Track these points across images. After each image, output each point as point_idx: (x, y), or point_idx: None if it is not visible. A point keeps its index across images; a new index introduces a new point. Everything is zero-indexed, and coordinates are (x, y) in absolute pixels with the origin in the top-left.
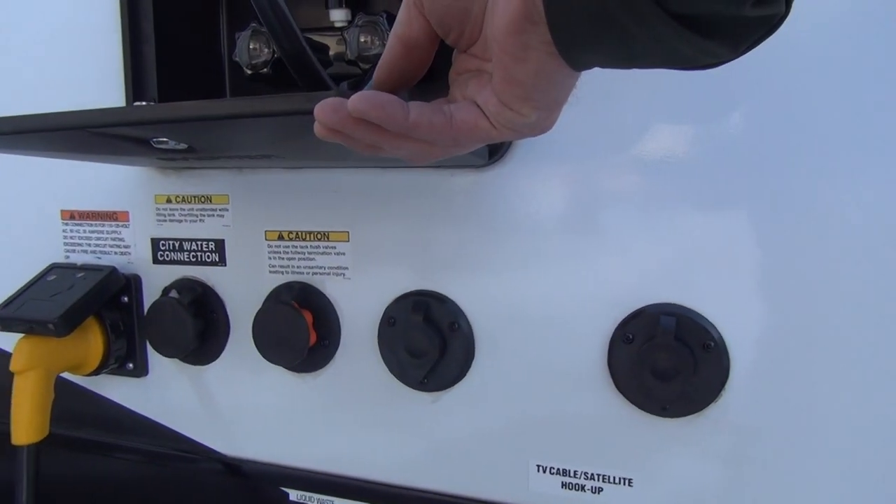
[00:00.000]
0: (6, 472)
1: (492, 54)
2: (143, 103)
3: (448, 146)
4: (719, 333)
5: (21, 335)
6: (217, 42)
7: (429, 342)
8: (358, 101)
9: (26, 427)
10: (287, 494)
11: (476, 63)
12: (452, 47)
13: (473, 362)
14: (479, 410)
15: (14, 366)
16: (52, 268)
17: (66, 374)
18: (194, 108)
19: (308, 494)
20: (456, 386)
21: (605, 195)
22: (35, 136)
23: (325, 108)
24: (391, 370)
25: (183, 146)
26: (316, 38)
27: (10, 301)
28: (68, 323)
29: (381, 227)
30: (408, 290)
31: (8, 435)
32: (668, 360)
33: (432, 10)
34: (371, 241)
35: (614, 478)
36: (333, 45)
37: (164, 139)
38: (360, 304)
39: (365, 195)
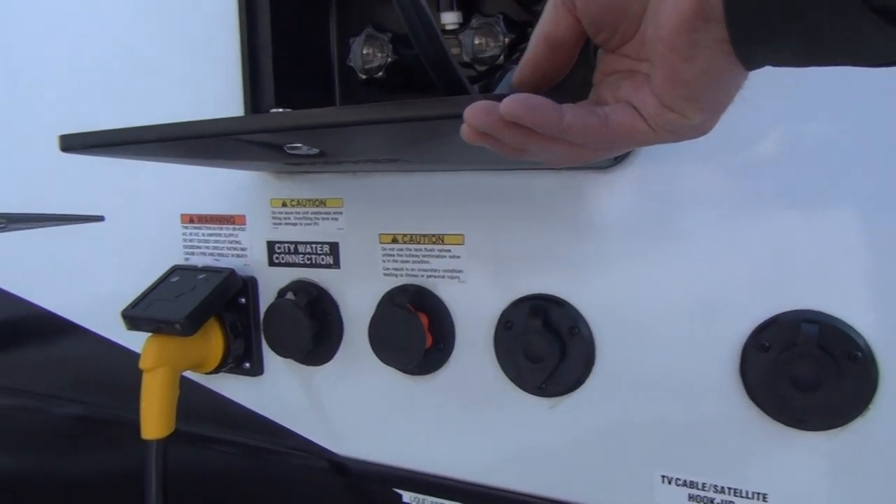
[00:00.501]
0: (131, 460)
1: (653, 54)
2: (281, 110)
3: (601, 149)
4: (867, 343)
5: (148, 334)
6: (327, 48)
7: (548, 347)
8: (511, 104)
9: (156, 423)
10: (400, 496)
11: (628, 63)
12: (598, 47)
13: (594, 368)
14: (599, 417)
15: (143, 363)
16: (175, 270)
17: (186, 372)
18: (347, 113)
19: (421, 497)
20: (575, 392)
21: (733, 197)
22: (176, 143)
23: (476, 112)
24: (507, 374)
25: (314, 151)
26: None
27: (138, 302)
28: (193, 323)
29: (496, 230)
30: (524, 294)
31: (129, 426)
32: (809, 370)
33: (586, 10)
34: (486, 244)
35: (747, 492)
36: None
37: (298, 144)
38: (476, 307)
39: (480, 198)
